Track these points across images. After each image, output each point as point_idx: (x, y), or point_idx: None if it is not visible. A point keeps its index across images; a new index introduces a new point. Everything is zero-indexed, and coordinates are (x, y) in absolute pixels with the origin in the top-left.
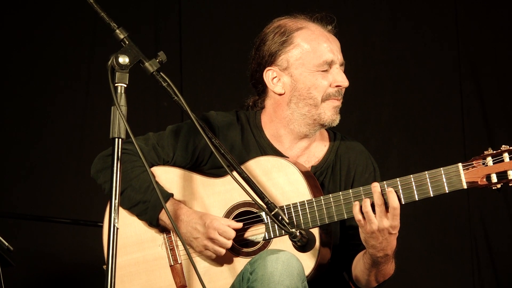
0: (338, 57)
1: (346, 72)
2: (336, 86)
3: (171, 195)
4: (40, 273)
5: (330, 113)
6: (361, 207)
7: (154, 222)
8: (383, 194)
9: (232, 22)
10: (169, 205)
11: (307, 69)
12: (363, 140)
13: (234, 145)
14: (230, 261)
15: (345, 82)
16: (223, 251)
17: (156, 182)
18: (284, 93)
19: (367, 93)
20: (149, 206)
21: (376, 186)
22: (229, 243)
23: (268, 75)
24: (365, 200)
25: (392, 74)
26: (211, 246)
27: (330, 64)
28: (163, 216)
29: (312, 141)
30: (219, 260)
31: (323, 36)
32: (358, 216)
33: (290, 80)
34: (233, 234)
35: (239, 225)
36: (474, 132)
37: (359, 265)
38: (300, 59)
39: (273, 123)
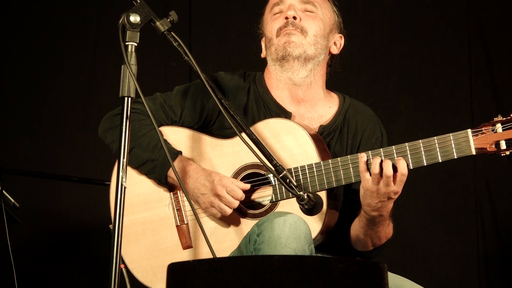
0: None
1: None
2: (285, 18)
3: (180, 152)
4: (45, 230)
5: (281, 42)
6: (367, 162)
7: (163, 180)
8: (383, 164)
9: None
10: (177, 162)
11: (267, 20)
12: (370, 105)
13: (241, 105)
14: (236, 223)
15: (288, 11)
16: (229, 210)
17: (164, 140)
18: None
19: (374, 58)
20: (158, 164)
21: (375, 161)
22: (236, 203)
23: (262, 47)
24: (374, 159)
25: (400, 39)
26: (217, 203)
27: (280, 4)
28: (171, 173)
29: (312, 96)
30: (226, 221)
31: None
32: (363, 165)
33: (265, 38)
34: (240, 194)
35: (247, 186)
36: (481, 99)
37: (355, 225)
38: (265, 15)
39: (269, 80)
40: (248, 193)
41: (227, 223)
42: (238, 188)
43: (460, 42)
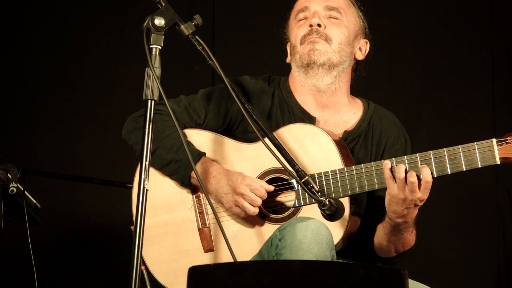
0: (315, 3)
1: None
2: (309, 26)
3: (203, 154)
4: (67, 231)
5: (306, 50)
6: (391, 169)
7: (186, 181)
8: (414, 170)
9: None
10: (201, 163)
11: (292, 26)
12: (392, 112)
13: (265, 110)
14: (258, 227)
15: (312, 18)
16: (252, 208)
17: (188, 142)
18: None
19: (397, 65)
20: (181, 165)
21: (400, 167)
22: (259, 201)
23: (287, 51)
24: (399, 165)
25: (423, 47)
26: (240, 202)
27: (305, 10)
28: (194, 174)
29: (337, 102)
30: (248, 225)
31: None
32: (388, 172)
33: (289, 44)
34: (263, 192)
35: (271, 187)
36: (504, 108)
37: (379, 231)
38: (290, 20)
39: (294, 85)
40: (270, 197)
41: (248, 227)
42: (262, 186)
43: (483, 51)
